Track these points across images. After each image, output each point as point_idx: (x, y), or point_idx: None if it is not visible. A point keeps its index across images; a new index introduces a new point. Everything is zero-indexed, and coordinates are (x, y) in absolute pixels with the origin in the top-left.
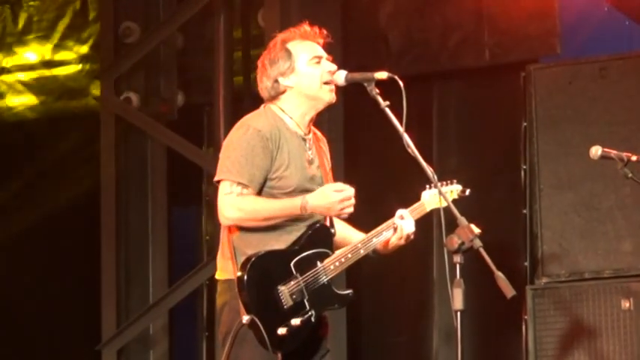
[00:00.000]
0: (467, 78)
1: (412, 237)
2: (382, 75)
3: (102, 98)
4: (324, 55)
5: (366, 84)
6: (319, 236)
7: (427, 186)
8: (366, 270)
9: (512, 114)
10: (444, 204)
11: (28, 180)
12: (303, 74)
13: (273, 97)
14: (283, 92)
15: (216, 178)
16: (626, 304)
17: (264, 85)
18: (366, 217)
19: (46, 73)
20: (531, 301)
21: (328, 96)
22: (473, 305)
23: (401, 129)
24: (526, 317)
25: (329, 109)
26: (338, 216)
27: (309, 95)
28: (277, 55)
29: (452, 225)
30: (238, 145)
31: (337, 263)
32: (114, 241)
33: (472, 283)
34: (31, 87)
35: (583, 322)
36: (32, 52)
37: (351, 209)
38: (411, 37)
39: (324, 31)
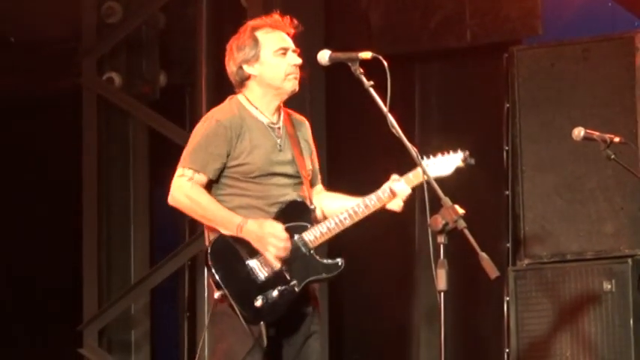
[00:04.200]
0: (448, 59)
1: (404, 199)
2: (366, 55)
3: (84, 78)
4: (292, 46)
5: (350, 64)
6: (294, 210)
7: (424, 157)
8: (348, 250)
9: (495, 95)
10: (442, 174)
11: (9, 160)
12: (267, 64)
13: (239, 84)
14: (248, 79)
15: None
16: (607, 286)
17: (230, 70)
18: None
19: (27, 52)
20: (513, 282)
21: (291, 86)
22: (455, 286)
23: (385, 109)
24: (508, 298)
25: (311, 91)
26: (263, 252)
27: (271, 85)
28: (245, 42)
29: (436, 205)
30: (197, 136)
31: (318, 234)
32: (95, 222)
33: (454, 264)
34: (14, 67)
35: (565, 304)
36: (15, 32)
37: (275, 252)
38: (393, 17)
39: (295, 21)
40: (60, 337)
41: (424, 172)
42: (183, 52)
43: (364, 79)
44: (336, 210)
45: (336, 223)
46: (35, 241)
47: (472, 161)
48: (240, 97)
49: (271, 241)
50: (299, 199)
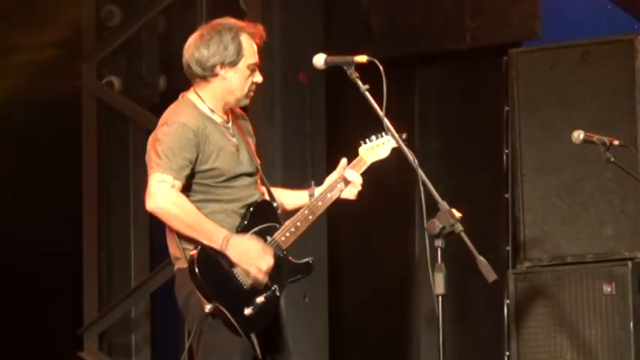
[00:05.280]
0: (449, 61)
1: (360, 188)
2: (362, 58)
3: (84, 82)
4: (259, 63)
5: (345, 67)
6: (263, 211)
7: (361, 142)
8: (348, 254)
9: (495, 98)
10: (382, 157)
11: (9, 162)
12: (239, 74)
13: (201, 77)
14: (214, 77)
15: (149, 175)
16: (607, 289)
17: (200, 56)
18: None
19: (27, 56)
20: (513, 285)
21: (246, 102)
22: (454, 290)
23: (381, 113)
24: (508, 302)
25: (311, 94)
26: (246, 269)
27: (232, 94)
28: (229, 42)
29: (433, 209)
30: (167, 141)
31: (288, 234)
32: (95, 226)
33: (453, 268)
34: (11, 71)
35: (565, 307)
36: (14, 36)
37: (266, 269)
38: (393, 20)
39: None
40: (60, 340)
41: (423, 180)
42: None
43: (359, 83)
44: (293, 204)
45: (301, 221)
46: (35, 244)
47: (404, 142)
48: (191, 96)
49: (261, 255)
50: (265, 200)
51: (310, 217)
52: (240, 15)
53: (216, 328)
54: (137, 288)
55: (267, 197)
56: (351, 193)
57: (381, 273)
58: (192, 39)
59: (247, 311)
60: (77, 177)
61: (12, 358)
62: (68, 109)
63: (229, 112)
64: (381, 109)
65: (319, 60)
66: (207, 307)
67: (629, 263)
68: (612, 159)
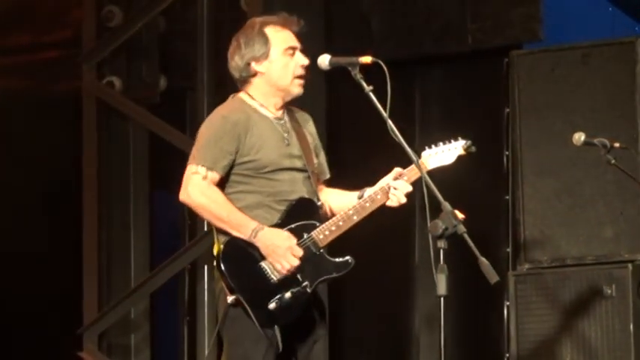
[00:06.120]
0: (449, 63)
1: (406, 198)
2: (367, 59)
3: (84, 82)
4: (299, 46)
5: (350, 68)
6: (302, 209)
7: (426, 147)
8: (349, 254)
9: (495, 100)
10: (446, 163)
11: (8, 165)
12: (276, 63)
13: (244, 80)
14: (254, 76)
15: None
16: (608, 291)
17: (235, 64)
18: None
19: (27, 56)
20: (513, 287)
21: (297, 90)
22: (455, 291)
23: (385, 114)
24: (508, 303)
25: (310, 101)
26: (272, 263)
27: (278, 85)
28: (254, 38)
29: (436, 210)
30: (205, 133)
31: (327, 232)
32: (95, 226)
33: (454, 269)
34: (14, 71)
35: (565, 309)
36: (16, 36)
37: (288, 267)
38: (394, 22)
39: (302, 21)
40: (60, 340)
41: (425, 181)
42: (184, 55)
43: (364, 84)
44: (343, 206)
45: (344, 220)
46: (35, 245)
47: (474, 149)
48: (242, 95)
49: (287, 255)
50: (307, 197)
51: (355, 217)
52: (240, 16)
53: (236, 319)
54: (137, 288)
55: (310, 195)
56: (397, 201)
57: (382, 274)
58: (229, 49)
59: (271, 305)
60: (77, 177)
61: (11, 358)
62: (68, 110)
63: (289, 111)
64: (385, 111)
65: (324, 60)
66: (230, 299)
67: (630, 265)
68: (613, 161)
